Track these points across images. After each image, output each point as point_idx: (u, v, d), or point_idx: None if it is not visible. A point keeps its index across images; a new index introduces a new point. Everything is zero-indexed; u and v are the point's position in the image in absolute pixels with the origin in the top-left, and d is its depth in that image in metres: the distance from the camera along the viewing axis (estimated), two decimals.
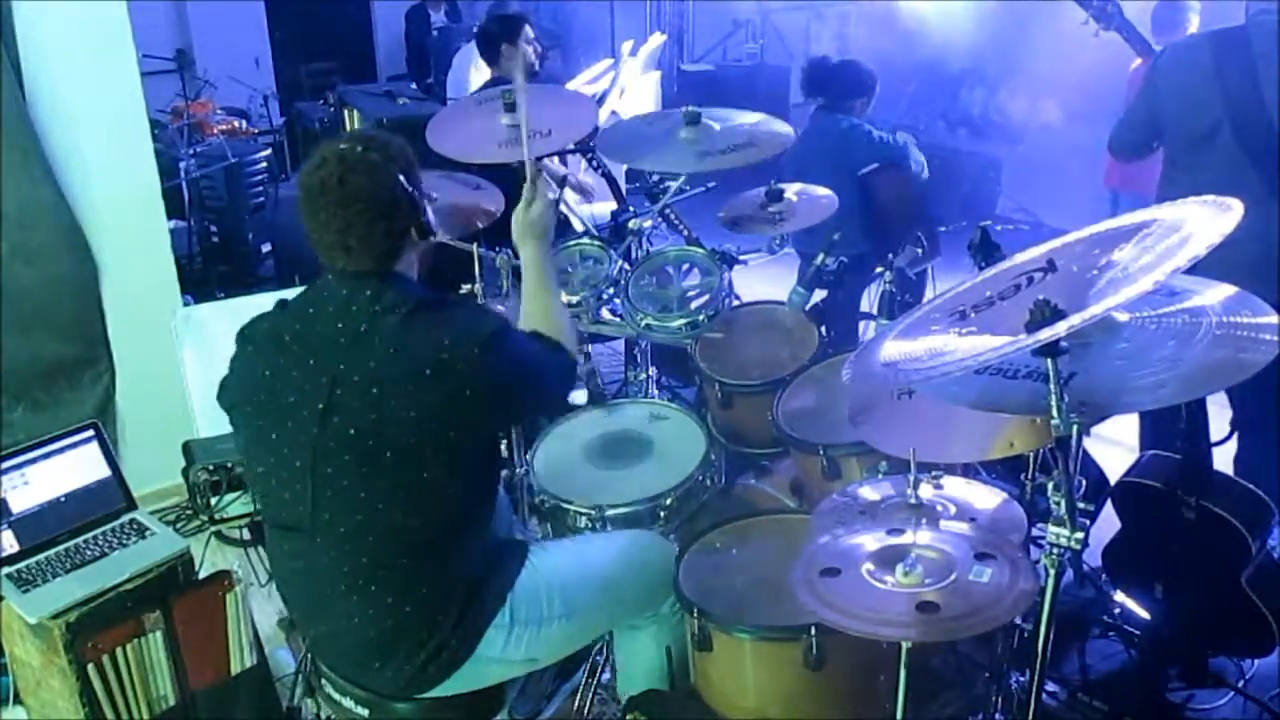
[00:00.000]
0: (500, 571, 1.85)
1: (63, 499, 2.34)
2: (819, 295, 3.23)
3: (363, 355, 1.66)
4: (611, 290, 2.79)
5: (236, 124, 6.46)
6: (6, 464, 2.28)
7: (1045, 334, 1.33)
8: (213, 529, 2.70)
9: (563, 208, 3.48)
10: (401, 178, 1.70)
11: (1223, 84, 2.57)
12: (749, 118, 2.81)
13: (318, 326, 1.71)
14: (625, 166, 4.65)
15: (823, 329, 2.80)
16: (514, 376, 1.75)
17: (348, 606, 1.74)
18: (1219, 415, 2.63)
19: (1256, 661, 2.57)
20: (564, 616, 1.89)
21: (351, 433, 1.66)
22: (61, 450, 2.36)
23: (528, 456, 2.55)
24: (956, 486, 2.05)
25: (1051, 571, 1.54)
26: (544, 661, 1.95)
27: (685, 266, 2.88)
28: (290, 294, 1.81)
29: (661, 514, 2.31)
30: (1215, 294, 1.48)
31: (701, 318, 2.70)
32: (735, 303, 2.89)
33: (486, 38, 4.07)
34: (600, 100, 5.19)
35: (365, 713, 1.84)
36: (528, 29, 4.00)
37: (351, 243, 1.67)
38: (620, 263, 2.85)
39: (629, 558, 2.05)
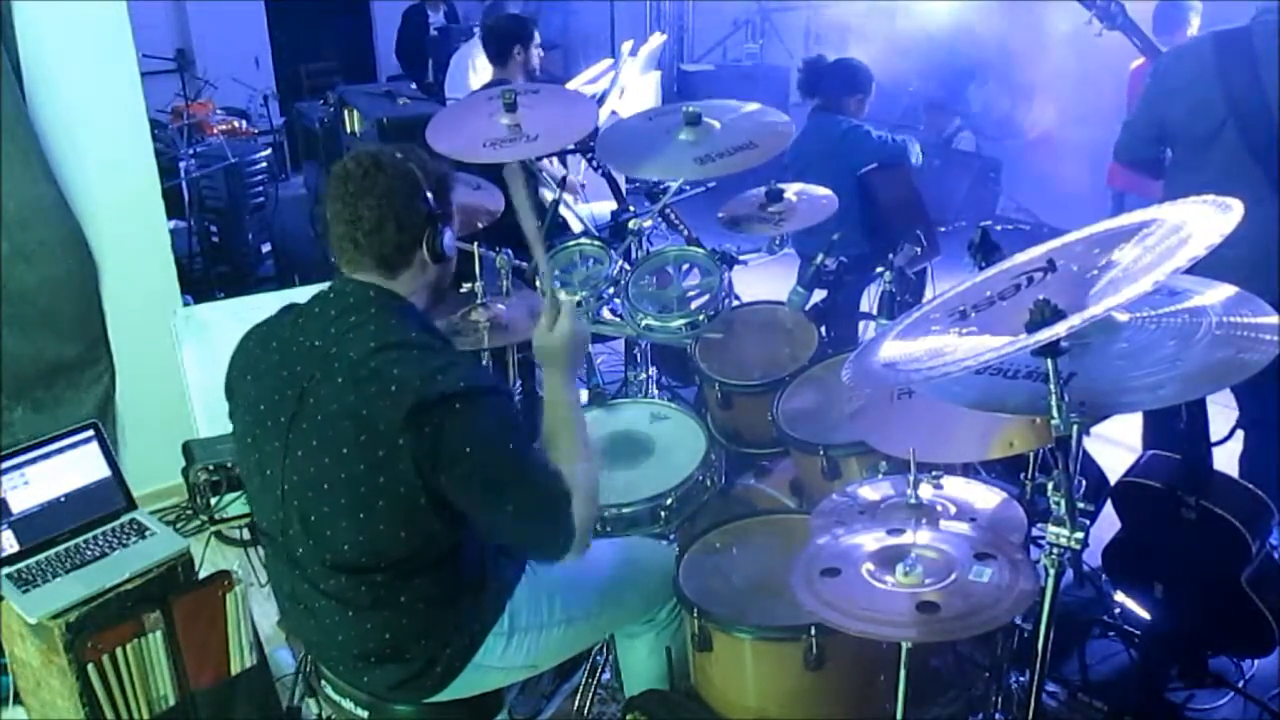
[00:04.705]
0: (499, 578, 1.81)
1: (63, 499, 2.34)
2: (819, 295, 3.23)
3: (323, 378, 1.62)
4: (611, 290, 2.79)
5: (236, 124, 6.45)
6: (6, 464, 2.27)
7: (1045, 334, 1.32)
8: (213, 529, 2.69)
9: (563, 209, 3.48)
10: (429, 194, 1.68)
11: (1226, 85, 2.57)
12: (748, 108, 2.82)
13: (301, 337, 1.68)
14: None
15: (823, 329, 2.80)
16: (460, 450, 1.56)
17: (330, 623, 1.72)
18: (1220, 415, 2.63)
19: (1256, 661, 2.57)
20: (564, 623, 1.87)
21: (300, 454, 1.63)
22: (61, 450, 2.36)
23: None
24: (956, 486, 2.05)
25: (1051, 571, 1.53)
26: (543, 667, 1.94)
27: (685, 266, 2.87)
28: (301, 296, 1.77)
29: (661, 514, 2.31)
30: (1216, 294, 1.47)
31: (701, 318, 2.70)
32: (735, 303, 2.89)
33: (499, 35, 3.86)
34: (600, 100, 5.18)
35: (365, 714, 1.83)
36: (536, 34, 3.93)
37: (359, 236, 1.65)
38: (620, 263, 2.85)
39: (628, 563, 2.05)
